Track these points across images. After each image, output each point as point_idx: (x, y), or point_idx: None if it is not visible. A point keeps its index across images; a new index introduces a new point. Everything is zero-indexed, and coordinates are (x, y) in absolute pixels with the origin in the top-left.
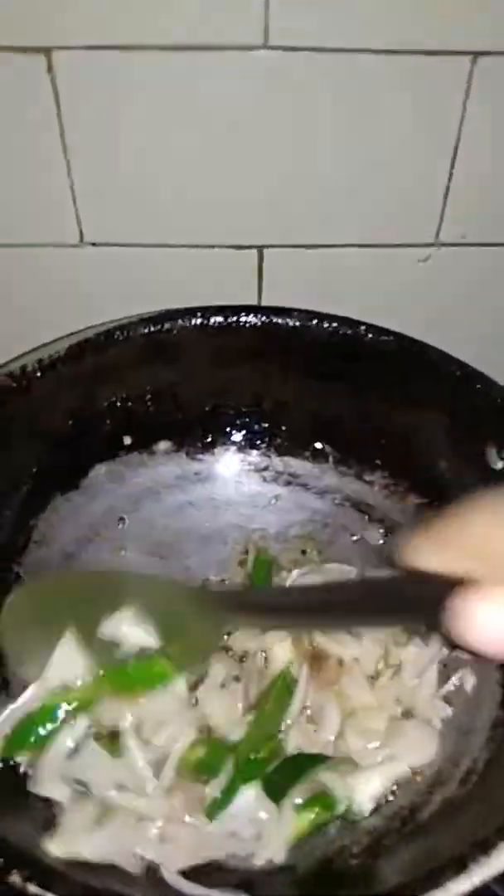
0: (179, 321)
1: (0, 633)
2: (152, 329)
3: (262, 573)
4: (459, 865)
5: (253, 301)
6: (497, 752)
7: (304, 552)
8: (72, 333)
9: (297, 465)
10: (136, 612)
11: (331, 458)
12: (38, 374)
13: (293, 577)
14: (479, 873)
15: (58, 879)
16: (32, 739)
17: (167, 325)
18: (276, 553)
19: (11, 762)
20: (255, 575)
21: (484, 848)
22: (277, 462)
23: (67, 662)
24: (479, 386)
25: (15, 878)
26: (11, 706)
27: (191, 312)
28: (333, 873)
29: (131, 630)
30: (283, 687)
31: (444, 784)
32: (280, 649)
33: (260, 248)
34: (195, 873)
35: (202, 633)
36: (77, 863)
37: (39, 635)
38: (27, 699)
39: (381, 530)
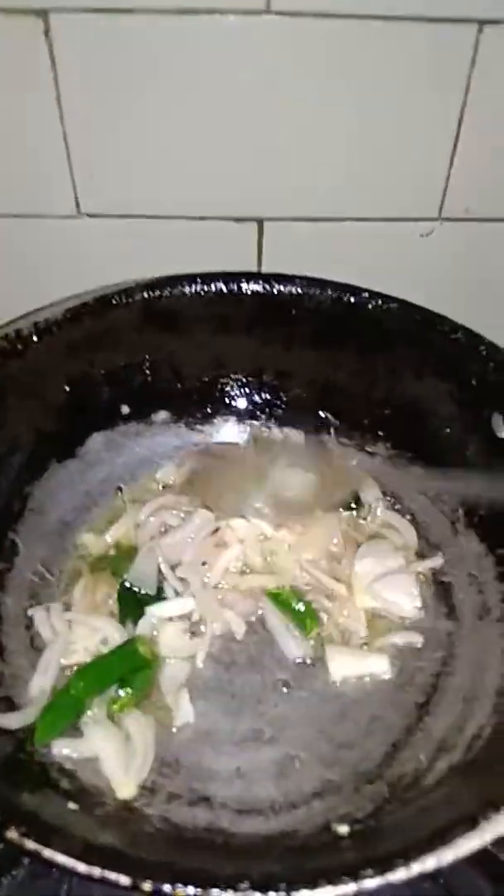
0: (179, 287)
1: None
2: (152, 295)
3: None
4: (470, 822)
5: None
6: (502, 717)
7: None
8: (69, 297)
9: (297, 436)
10: None
11: (332, 430)
12: (35, 337)
13: None
14: (491, 830)
15: (56, 835)
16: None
17: (167, 292)
18: None
19: None
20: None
21: (495, 805)
22: (278, 433)
23: None
24: (485, 353)
25: (12, 833)
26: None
27: (191, 279)
28: (336, 837)
29: None
30: None
31: (449, 751)
32: None
33: (260, 221)
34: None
35: None
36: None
37: None
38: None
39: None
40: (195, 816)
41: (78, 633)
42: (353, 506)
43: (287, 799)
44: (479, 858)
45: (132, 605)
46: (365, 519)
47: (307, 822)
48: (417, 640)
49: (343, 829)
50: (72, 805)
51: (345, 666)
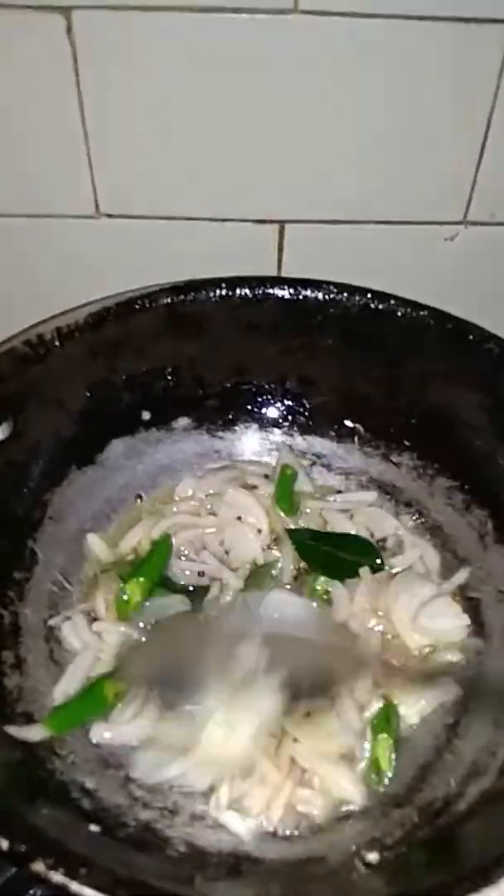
0: (203, 292)
1: None
2: (175, 300)
3: (286, 485)
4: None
5: None
6: None
7: None
8: (91, 302)
9: (321, 444)
10: None
11: (357, 439)
12: (57, 343)
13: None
14: None
15: (84, 866)
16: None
17: (190, 296)
18: None
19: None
20: (280, 487)
21: None
22: (301, 441)
23: None
24: None
25: (39, 866)
26: None
27: (215, 283)
28: (365, 865)
29: None
30: None
31: (481, 775)
32: None
33: (281, 223)
34: (226, 866)
35: None
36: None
37: None
38: None
39: (409, 514)
40: (219, 839)
41: (109, 641)
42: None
43: (313, 823)
44: None
45: None
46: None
47: (334, 847)
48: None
49: (372, 857)
50: (93, 827)
51: (418, 707)
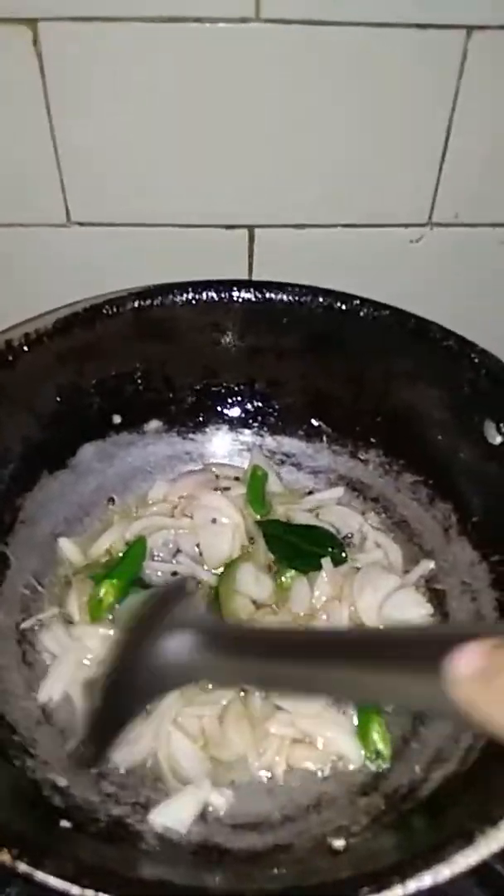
0: (170, 296)
1: None
2: (142, 304)
3: (258, 487)
4: (465, 838)
5: None
6: None
7: None
8: (59, 307)
9: (290, 444)
10: None
11: (325, 438)
12: (25, 348)
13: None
14: (486, 846)
15: (49, 856)
16: None
17: (157, 301)
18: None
19: None
20: (251, 488)
21: (491, 820)
22: (270, 441)
23: None
24: (476, 360)
25: (4, 856)
26: None
27: (182, 287)
28: (331, 852)
29: None
30: None
31: (445, 761)
32: None
33: (250, 228)
34: (194, 852)
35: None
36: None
37: None
38: None
39: (376, 509)
40: (189, 832)
41: (90, 645)
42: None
43: (282, 813)
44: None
45: None
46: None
47: (302, 835)
48: None
49: (339, 844)
50: (65, 823)
51: None
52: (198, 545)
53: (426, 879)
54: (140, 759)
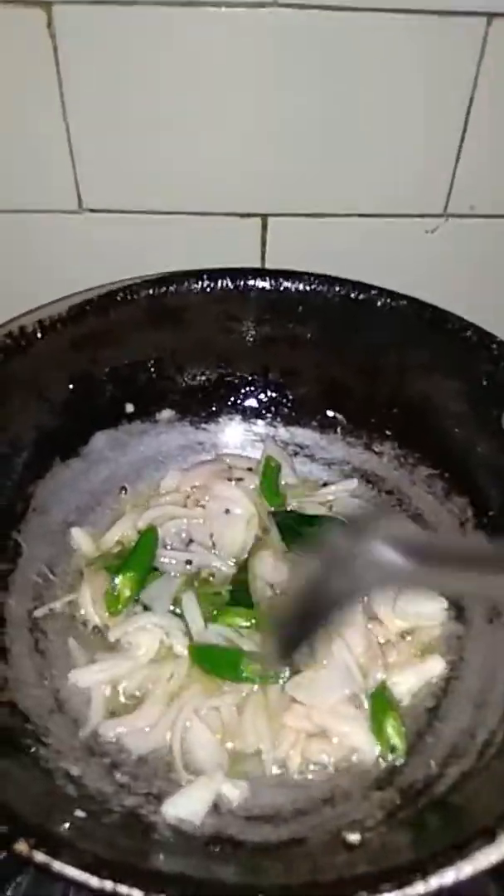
0: (185, 284)
1: None
2: (156, 291)
3: (272, 478)
4: (489, 836)
5: None
6: None
7: None
8: (73, 294)
9: (303, 435)
10: None
11: (339, 429)
12: (39, 334)
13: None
14: None
15: (66, 847)
16: None
17: (172, 288)
18: None
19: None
20: (265, 479)
21: None
22: (284, 432)
23: None
24: (496, 351)
25: (21, 846)
26: None
27: (196, 275)
28: (346, 846)
29: None
30: None
31: (461, 757)
32: None
33: (264, 217)
34: (208, 844)
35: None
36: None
37: None
38: None
39: (392, 503)
40: (203, 824)
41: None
42: None
43: (295, 806)
44: None
45: None
46: None
47: (316, 829)
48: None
49: (354, 838)
50: (79, 813)
51: (410, 685)
52: (211, 535)
53: (448, 877)
54: (155, 746)
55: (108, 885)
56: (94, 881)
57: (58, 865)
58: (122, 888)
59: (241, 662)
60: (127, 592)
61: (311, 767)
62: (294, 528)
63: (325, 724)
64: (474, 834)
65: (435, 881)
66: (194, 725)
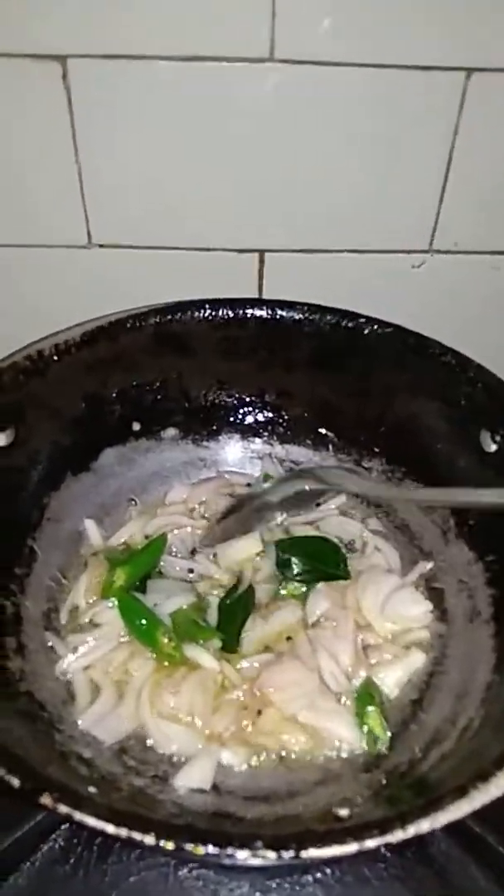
0: (189, 313)
1: None
2: (162, 319)
3: None
4: (460, 791)
5: None
6: (490, 709)
7: None
8: (86, 321)
9: (298, 452)
10: None
11: (331, 446)
12: (55, 357)
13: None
14: (480, 798)
15: (85, 800)
16: None
17: (177, 316)
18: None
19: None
20: None
21: (484, 777)
22: (280, 450)
23: None
24: (473, 374)
25: (46, 799)
26: None
27: (199, 305)
28: (336, 819)
29: None
30: None
31: (442, 742)
32: None
33: (261, 252)
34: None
35: None
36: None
37: None
38: None
39: (378, 514)
40: (205, 802)
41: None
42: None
43: (290, 788)
44: (474, 847)
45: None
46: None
47: (310, 806)
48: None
49: (343, 812)
50: (92, 789)
51: (397, 677)
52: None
53: (424, 825)
54: (125, 734)
55: (124, 832)
56: (110, 828)
57: (79, 815)
58: (136, 835)
59: (157, 632)
60: (119, 582)
61: (300, 756)
62: (287, 550)
63: (310, 722)
64: (449, 790)
65: (413, 829)
66: (157, 723)
